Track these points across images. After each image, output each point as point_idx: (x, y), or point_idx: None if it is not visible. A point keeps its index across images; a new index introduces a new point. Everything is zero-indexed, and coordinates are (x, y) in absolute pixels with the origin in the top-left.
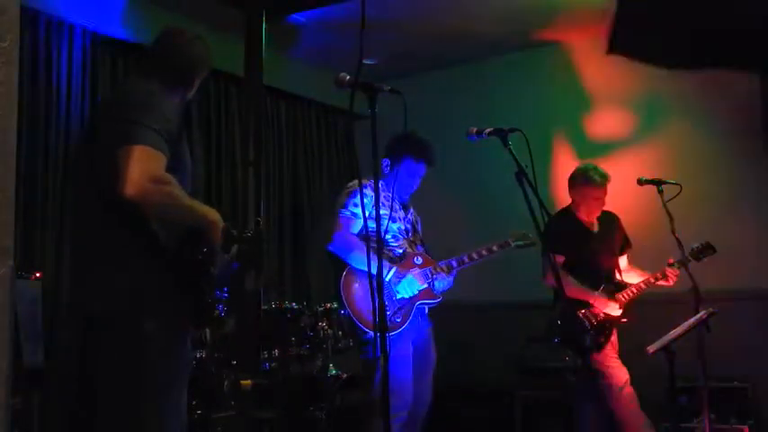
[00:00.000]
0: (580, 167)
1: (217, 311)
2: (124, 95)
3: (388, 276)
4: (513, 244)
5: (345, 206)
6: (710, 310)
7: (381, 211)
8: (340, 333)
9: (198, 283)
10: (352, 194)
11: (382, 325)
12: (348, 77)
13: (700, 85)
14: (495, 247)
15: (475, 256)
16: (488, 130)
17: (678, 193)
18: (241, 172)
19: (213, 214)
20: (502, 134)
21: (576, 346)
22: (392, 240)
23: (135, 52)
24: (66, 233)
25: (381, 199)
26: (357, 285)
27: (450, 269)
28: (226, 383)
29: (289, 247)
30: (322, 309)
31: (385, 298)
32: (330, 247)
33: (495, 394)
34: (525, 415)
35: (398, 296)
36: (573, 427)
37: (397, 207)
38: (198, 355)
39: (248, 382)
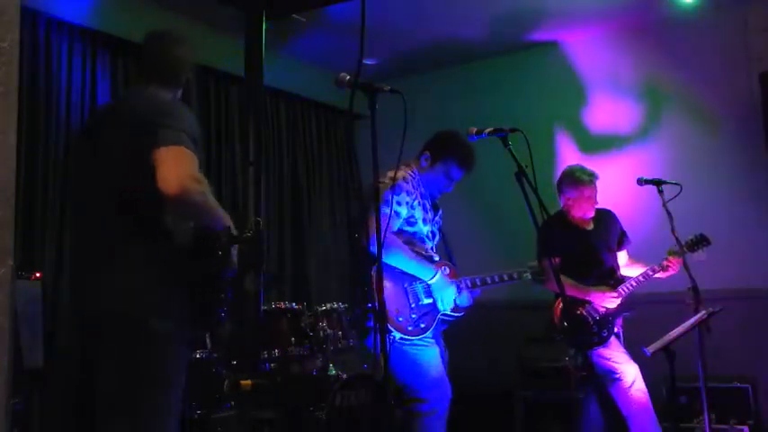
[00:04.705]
0: (566, 170)
1: (219, 314)
2: (140, 102)
3: (434, 279)
4: (528, 278)
5: (386, 202)
6: (710, 310)
7: (416, 213)
8: (340, 333)
9: (207, 285)
10: (393, 190)
11: (381, 326)
12: (348, 77)
13: (699, 83)
14: (515, 275)
15: (497, 278)
16: (488, 129)
17: (678, 193)
18: (241, 172)
19: (228, 219)
20: (502, 134)
21: (580, 343)
22: (420, 243)
23: (135, 52)
24: (66, 233)
25: (417, 196)
26: (387, 283)
27: (474, 286)
28: (226, 383)
29: (289, 247)
30: (322, 309)
31: (411, 300)
32: (370, 248)
33: (495, 394)
34: (525, 415)
35: (425, 302)
36: (573, 427)
37: (428, 206)
38: (198, 355)
39: (248, 382)
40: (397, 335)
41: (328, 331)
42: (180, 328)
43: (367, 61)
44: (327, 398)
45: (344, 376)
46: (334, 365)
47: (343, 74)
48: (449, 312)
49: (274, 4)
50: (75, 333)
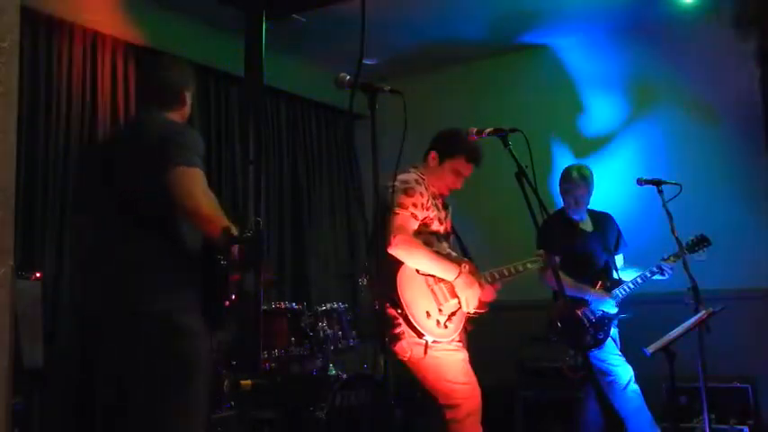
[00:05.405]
0: (565, 167)
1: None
2: (155, 125)
3: (458, 278)
4: (540, 264)
5: (404, 205)
6: (710, 310)
7: (430, 213)
8: (340, 333)
9: (211, 286)
10: (408, 193)
11: (381, 325)
12: (348, 77)
13: (696, 81)
14: (528, 264)
15: (513, 270)
16: (488, 129)
17: (678, 193)
18: (241, 172)
19: (227, 221)
20: (502, 134)
21: (575, 344)
22: (437, 243)
23: (135, 52)
24: (66, 233)
25: (429, 197)
26: (413, 286)
27: (494, 280)
28: (226, 383)
29: (289, 247)
30: (322, 309)
31: (438, 301)
32: (392, 252)
33: (495, 394)
34: (525, 415)
35: (450, 302)
36: (573, 427)
37: (440, 206)
38: None
39: (248, 382)
40: (430, 338)
41: (328, 331)
42: (203, 328)
43: (367, 61)
44: (327, 398)
45: (344, 376)
46: (334, 365)
47: (343, 74)
48: (473, 310)
49: (274, 4)
50: (91, 334)
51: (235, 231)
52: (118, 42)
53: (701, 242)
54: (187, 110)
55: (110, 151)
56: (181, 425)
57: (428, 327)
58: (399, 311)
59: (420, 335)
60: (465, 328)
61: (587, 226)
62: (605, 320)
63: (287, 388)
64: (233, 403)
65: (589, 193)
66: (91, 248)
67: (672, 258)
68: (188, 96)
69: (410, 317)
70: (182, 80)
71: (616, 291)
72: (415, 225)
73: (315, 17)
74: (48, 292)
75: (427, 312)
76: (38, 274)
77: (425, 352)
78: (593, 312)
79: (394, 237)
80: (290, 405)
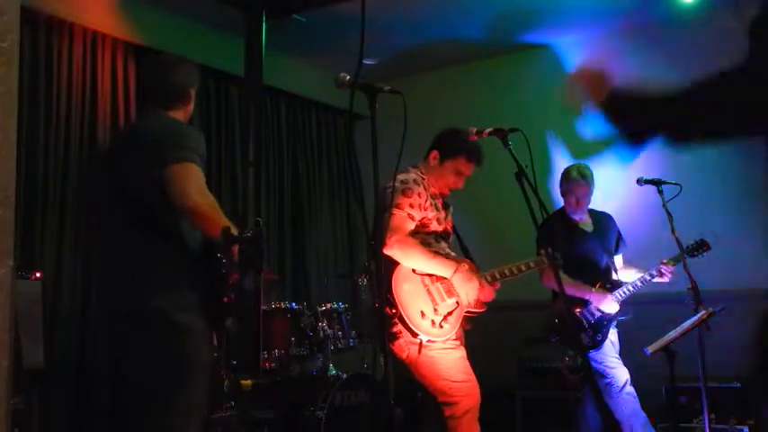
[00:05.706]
0: (565, 167)
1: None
2: (154, 124)
3: (456, 276)
4: (546, 263)
5: (400, 206)
6: (710, 310)
7: (429, 214)
8: (340, 333)
9: (218, 285)
10: (406, 193)
11: (381, 324)
12: (348, 78)
13: (695, 83)
14: (531, 264)
15: (515, 270)
16: (488, 129)
17: (678, 193)
18: (241, 172)
19: (227, 220)
20: (502, 134)
21: (573, 345)
22: (435, 243)
23: (135, 52)
24: (66, 233)
25: (428, 197)
26: (407, 286)
27: (494, 280)
28: (226, 383)
29: (289, 247)
30: (322, 309)
31: (434, 300)
32: (388, 252)
33: (495, 394)
34: (525, 415)
35: (447, 301)
36: (572, 428)
37: (440, 206)
38: None
39: (248, 382)
40: (424, 338)
41: (328, 331)
42: (204, 326)
43: (367, 61)
44: (327, 398)
45: (344, 376)
46: (334, 365)
47: (343, 74)
48: (471, 309)
49: (274, 4)
50: (108, 333)
51: (234, 231)
52: (118, 42)
53: (701, 246)
54: (191, 108)
55: (112, 153)
56: (180, 424)
57: (423, 326)
58: (394, 311)
59: (414, 334)
60: (463, 327)
61: (587, 226)
62: (604, 322)
63: (287, 388)
64: (233, 403)
65: (590, 193)
66: (94, 249)
67: (671, 262)
68: (192, 94)
69: (404, 316)
70: (187, 79)
71: (616, 292)
72: (411, 225)
73: (315, 17)
74: (48, 292)
75: (422, 312)
76: (38, 274)
77: (420, 351)
78: (592, 314)
79: (389, 237)
80: (290, 405)
